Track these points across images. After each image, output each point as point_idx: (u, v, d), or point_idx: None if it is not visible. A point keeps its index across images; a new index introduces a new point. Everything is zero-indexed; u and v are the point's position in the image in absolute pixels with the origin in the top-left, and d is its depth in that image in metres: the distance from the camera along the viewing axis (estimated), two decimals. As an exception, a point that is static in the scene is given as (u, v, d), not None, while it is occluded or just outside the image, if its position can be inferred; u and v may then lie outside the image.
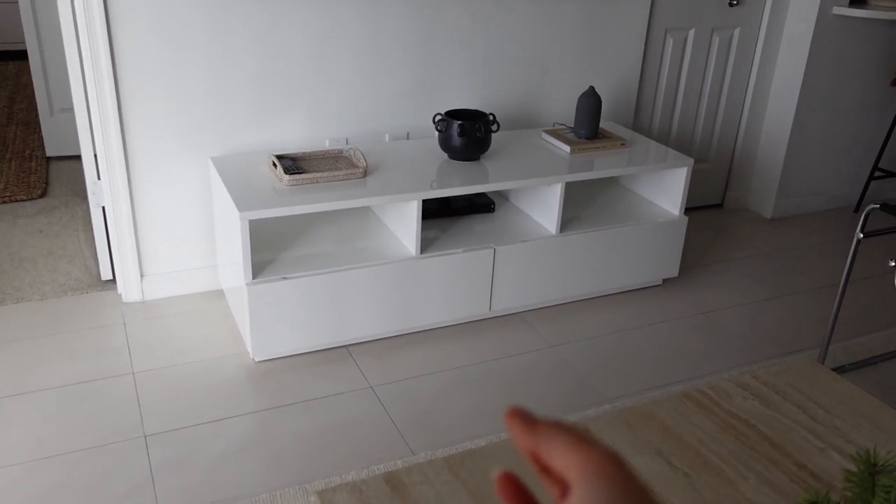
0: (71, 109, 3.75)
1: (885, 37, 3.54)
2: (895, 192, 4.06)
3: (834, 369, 2.48)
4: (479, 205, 2.75)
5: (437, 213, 2.69)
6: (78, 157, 3.85)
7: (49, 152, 3.82)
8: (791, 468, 1.10)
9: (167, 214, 2.62)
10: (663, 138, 3.45)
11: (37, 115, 4.37)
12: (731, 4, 3.32)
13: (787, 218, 3.70)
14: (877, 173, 3.87)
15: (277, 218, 2.65)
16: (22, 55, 5.46)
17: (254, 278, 2.25)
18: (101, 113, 2.42)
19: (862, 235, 2.24)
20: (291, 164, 2.46)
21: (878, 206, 2.20)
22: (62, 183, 3.58)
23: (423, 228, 2.62)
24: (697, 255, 3.24)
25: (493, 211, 2.77)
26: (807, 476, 1.09)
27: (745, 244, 3.38)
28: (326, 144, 2.77)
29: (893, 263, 2.18)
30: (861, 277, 3.15)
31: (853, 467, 1.11)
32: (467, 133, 2.55)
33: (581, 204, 2.89)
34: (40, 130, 4.08)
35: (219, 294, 2.74)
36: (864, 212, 2.24)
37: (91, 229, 3.12)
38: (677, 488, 1.06)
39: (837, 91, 3.55)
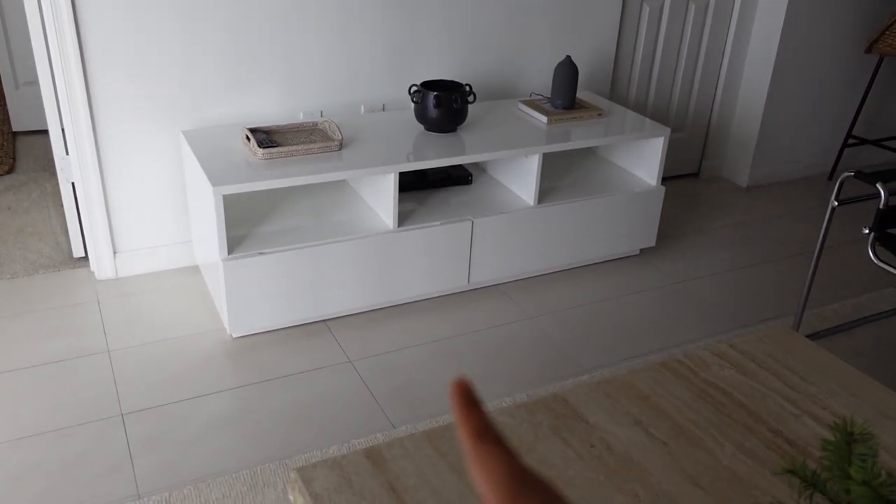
0: (36, 82, 3.66)
1: (860, 4, 3.55)
2: (868, 160, 4.10)
3: (808, 336, 2.51)
4: (457, 177, 2.73)
5: (414, 185, 2.67)
6: (45, 132, 3.77)
7: (15, 127, 3.73)
8: (767, 435, 1.12)
9: (139, 190, 2.58)
10: (640, 108, 3.45)
11: (1, 89, 4.26)
12: (707, -28, 3.30)
13: (763, 186, 3.73)
14: (850, 141, 3.90)
15: (252, 192, 2.62)
16: (-16, 27, 5.30)
17: (229, 254, 2.23)
18: (68, 86, 2.36)
19: (836, 203, 2.26)
20: (265, 137, 2.42)
21: (852, 173, 2.22)
22: (30, 158, 3.50)
23: (400, 201, 2.60)
24: (674, 225, 3.25)
25: (471, 183, 2.76)
26: (782, 442, 1.10)
27: (721, 213, 3.40)
28: (301, 117, 2.73)
29: (867, 230, 2.21)
30: (835, 244, 3.18)
31: (828, 434, 1.13)
32: (443, 104, 2.53)
33: (558, 175, 2.89)
34: (6, 104, 3.98)
35: (194, 270, 2.70)
36: (839, 179, 2.25)
37: (61, 205, 3.06)
38: (656, 457, 1.06)
39: (812, 59, 3.56)
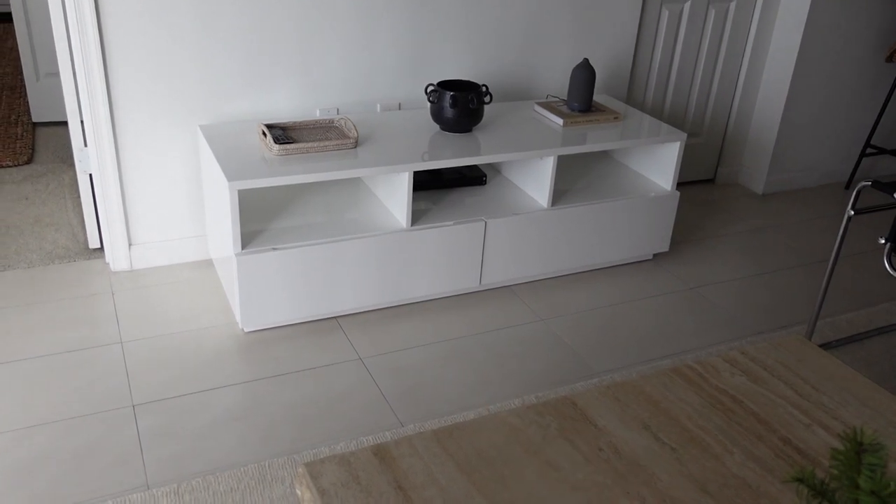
0: (57, 74, 3.69)
1: (882, 12, 3.52)
2: (887, 169, 4.06)
3: (821, 345, 2.50)
4: (471, 177, 2.73)
5: (429, 184, 2.67)
6: (65, 123, 3.80)
7: (35, 118, 3.77)
8: (776, 443, 1.11)
9: (155, 183, 2.60)
10: (657, 112, 3.44)
11: (22, 80, 4.30)
12: (727, -23, 3.28)
13: (779, 194, 3.71)
14: (869, 150, 3.87)
15: (267, 188, 2.63)
16: (6, 17, 5.36)
17: (243, 248, 2.24)
18: (88, 78, 2.38)
19: (853, 212, 2.24)
20: (281, 133, 2.44)
21: (869, 183, 2.20)
22: (49, 149, 3.54)
23: (414, 200, 2.61)
24: (688, 230, 3.24)
25: (485, 183, 2.76)
26: (792, 451, 1.10)
27: (736, 220, 3.39)
28: (317, 114, 2.74)
29: (883, 241, 2.19)
30: (850, 254, 3.16)
31: (839, 444, 1.12)
32: (460, 104, 2.53)
33: (573, 177, 2.88)
34: (26, 95, 4.02)
35: (208, 264, 2.72)
36: (856, 189, 2.23)
37: (78, 197, 3.09)
38: (664, 462, 1.06)
39: (832, 67, 3.54)
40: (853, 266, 3.07)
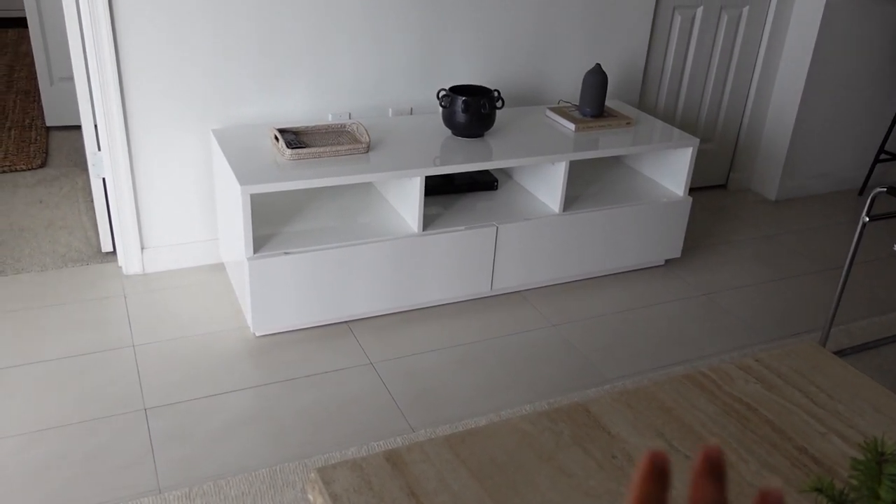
0: (71, 78, 3.72)
1: (895, 18, 3.50)
2: (900, 176, 4.03)
3: (835, 352, 2.48)
4: (483, 182, 2.73)
5: (440, 189, 2.67)
6: (78, 128, 3.83)
7: (49, 122, 3.80)
8: (792, 452, 1.10)
9: (168, 187, 2.61)
10: (669, 118, 3.43)
11: (37, 84, 4.34)
12: (740, -18, 3.27)
13: (792, 200, 3.68)
14: (882, 156, 3.84)
15: (279, 192, 2.64)
16: (21, 22, 5.40)
17: (255, 253, 2.24)
18: (102, 83, 2.40)
19: (867, 219, 2.23)
20: (293, 138, 2.44)
21: (884, 189, 2.18)
22: (62, 153, 3.56)
23: (426, 205, 2.61)
24: (700, 236, 3.23)
25: (497, 188, 2.76)
26: (808, 460, 1.09)
27: (749, 226, 3.37)
28: (329, 119, 2.75)
29: (898, 248, 2.17)
30: (864, 261, 3.14)
31: (854, 452, 1.11)
32: (471, 109, 2.53)
33: (585, 183, 2.88)
34: (40, 99, 4.05)
35: (220, 267, 2.73)
36: (871, 195, 2.22)
37: (91, 200, 3.11)
38: (678, 470, 1.05)
39: (845, 73, 3.52)
40: (867, 273, 3.05)
